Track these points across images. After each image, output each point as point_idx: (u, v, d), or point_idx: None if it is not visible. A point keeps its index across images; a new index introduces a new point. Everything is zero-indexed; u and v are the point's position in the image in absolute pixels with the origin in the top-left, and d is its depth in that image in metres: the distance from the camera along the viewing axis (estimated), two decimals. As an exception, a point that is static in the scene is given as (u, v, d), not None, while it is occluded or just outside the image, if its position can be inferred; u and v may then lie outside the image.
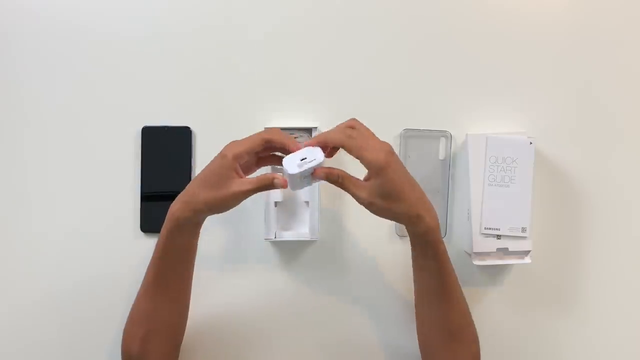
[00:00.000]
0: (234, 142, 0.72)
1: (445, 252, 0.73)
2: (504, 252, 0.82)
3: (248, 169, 0.75)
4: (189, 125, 0.86)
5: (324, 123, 0.86)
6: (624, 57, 0.87)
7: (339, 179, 0.70)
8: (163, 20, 0.87)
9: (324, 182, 0.72)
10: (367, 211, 0.77)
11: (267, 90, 0.87)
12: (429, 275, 0.74)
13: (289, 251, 0.87)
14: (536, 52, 0.86)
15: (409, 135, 0.86)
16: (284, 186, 0.70)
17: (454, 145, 0.86)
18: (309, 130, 0.85)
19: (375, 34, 0.86)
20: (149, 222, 0.86)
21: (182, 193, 0.72)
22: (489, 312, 0.87)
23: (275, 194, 0.85)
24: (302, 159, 0.70)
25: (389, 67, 0.86)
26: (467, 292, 0.86)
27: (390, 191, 0.68)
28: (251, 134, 0.72)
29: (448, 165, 0.86)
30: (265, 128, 0.72)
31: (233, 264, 0.86)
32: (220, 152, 0.71)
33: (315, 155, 0.70)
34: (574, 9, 0.87)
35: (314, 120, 0.86)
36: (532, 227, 0.82)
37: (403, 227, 0.85)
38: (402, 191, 0.69)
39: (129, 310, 0.79)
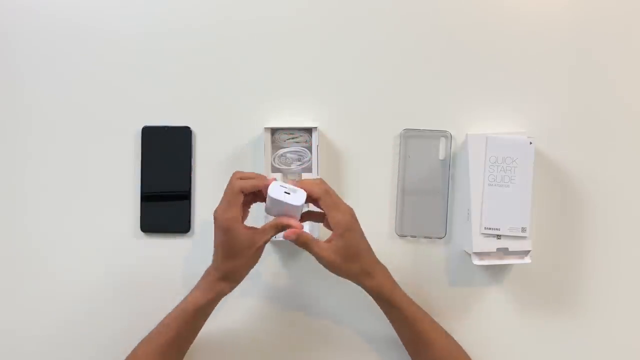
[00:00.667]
0: (219, 207, 0.73)
1: (405, 299, 0.77)
2: (504, 252, 0.82)
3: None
4: (189, 125, 0.86)
5: (324, 123, 0.86)
6: (624, 57, 0.87)
7: (305, 243, 0.73)
8: (163, 20, 0.87)
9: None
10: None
11: (267, 90, 0.87)
12: (400, 325, 0.79)
13: (289, 251, 0.87)
14: (536, 52, 0.86)
15: (409, 135, 0.86)
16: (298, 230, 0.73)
17: (454, 145, 0.86)
18: (309, 130, 0.85)
19: (376, 33, 0.86)
20: (149, 222, 0.86)
21: (219, 271, 0.75)
22: (489, 312, 0.87)
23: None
24: (286, 192, 0.72)
25: (389, 67, 0.86)
26: (467, 292, 0.87)
27: (351, 253, 0.74)
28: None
29: (448, 165, 0.86)
30: (233, 176, 0.74)
31: (233, 264, 0.86)
32: (217, 225, 0.73)
33: (298, 198, 0.72)
34: (574, 9, 0.87)
35: (314, 120, 0.86)
36: (532, 227, 0.82)
37: (403, 227, 0.85)
38: (359, 253, 0.75)
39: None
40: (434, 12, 0.86)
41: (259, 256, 0.75)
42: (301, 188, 0.73)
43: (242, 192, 0.73)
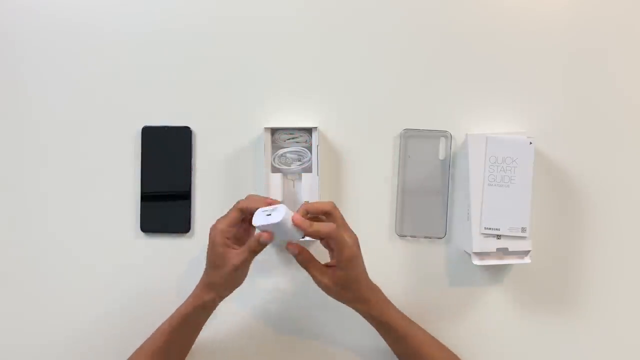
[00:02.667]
0: (217, 220, 0.75)
1: (398, 317, 0.77)
2: (503, 252, 0.82)
3: (241, 240, 0.76)
4: (189, 125, 0.86)
5: (324, 123, 0.86)
6: (624, 57, 0.87)
7: (305, 262, 0.74)
8: (163, 20, 0.87)
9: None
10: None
11: (267, 90, 0.87)
12: (395, 342, 0.78)
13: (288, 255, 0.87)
14: (536, 52, 0.86)
15: (409, 135, 0.86)
16: (269, 239, 0.71)
17: (454, 145, 0.86)
18: (309, 130, 0.85)
19: (376, 34, 0.86)
20: (149, 222, 0.86)
21: (205, 280, 0.76)
22: (489, 312, 0.87)
23: (276, 194, 0.85)
24: (268, 215, 0.71)
25: (390, 67, 0.86)
26: (467, 292, 0.87)
27: (350, 282, 0.73)
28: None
29: (448, 165, 0.86)
30: (245, 197, 0.75)
31: (233, 264, 0.86)
32: (209, 236, 0.74)
33: (279, 214, 0.70)
34: (574, 9, 0.87)
35: (314, 120, 0.86)
36: (532, 227, 0.82)
37: (403, 227, 0.85)
38: (358, 281, 0.74)
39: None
40: (434, 12, 0.86)
41: (243, 274, 0.75)
42: (309, 233, 0.71)
43: (242, 209, 0.74)
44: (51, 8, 0.87)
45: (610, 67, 0.87)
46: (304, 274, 0.86)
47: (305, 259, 0.73)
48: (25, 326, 0.86)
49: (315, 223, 0.71)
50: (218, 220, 0.75)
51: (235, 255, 0.73)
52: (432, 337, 0.79)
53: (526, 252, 0.82)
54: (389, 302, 0.78)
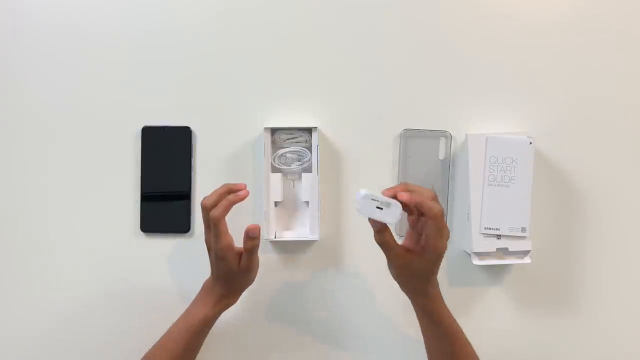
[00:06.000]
0: (209, 236, 0.73)
1: (449, 315, 0.74)
2: (503, 252, 0.82)
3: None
4: (189, 125, 0.86)
5: (324, 123, 0.86)
6: (624, 57, 0.87)
7: (385, 242, 0.69)
8: (163, 20, 0.87)
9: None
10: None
11: (267, 90, 0.87)
12: (439, 341, 0.75)
13: (289, 251, 0.87)
14: (536, 53, 0.86)
15: (409, 135, 0.86)
16: (256, 233, 0.73)
17: (454, 145, 0.86)
18: (309, 130, 0.85)
19: (376, 34, 0.86)
20: (149, 222, 0.86)
21: (222, 289, 0.76)
22: (489, 312, 0.87)
23: (276, 194, 0.85)
24: (379, 207, 0.67)
25: (390, 67, 0.86)
26: (467, 292, 0.87)
27: (426, 273, 0.71)
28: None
29: (448, 165, 0.86)
30: (202, 210, 0.73)
31: (233, 264, 0.86)
32: (211, 253, 0.74)
33: (393, 214, 0.67)
34: (574, 10, 0.87)
35: (314, 120, 0.86)
36: (532, 227, 0.82)
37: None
38: (432, 276, 0.72)
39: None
40: (434, 12, 0.86)
41: (257, 268, 0.77)
42: (416, 202, 0.66)
43: (222, 218, 0.72)
44: (50, 8, 0.86)
45: (610, 67, 0.87)
46: (303, 274, 0.87)
47: (386, 239, 0.69)
48: (25, 325, 0.86)
49: (419, 193, 0.67)
50: (215, 239, 0.72)
51: (253, 256, 0.75)
52: (469, 343, 0.76)
53: (526, 252, 0.82)
54: (442, 298, 0.75)
